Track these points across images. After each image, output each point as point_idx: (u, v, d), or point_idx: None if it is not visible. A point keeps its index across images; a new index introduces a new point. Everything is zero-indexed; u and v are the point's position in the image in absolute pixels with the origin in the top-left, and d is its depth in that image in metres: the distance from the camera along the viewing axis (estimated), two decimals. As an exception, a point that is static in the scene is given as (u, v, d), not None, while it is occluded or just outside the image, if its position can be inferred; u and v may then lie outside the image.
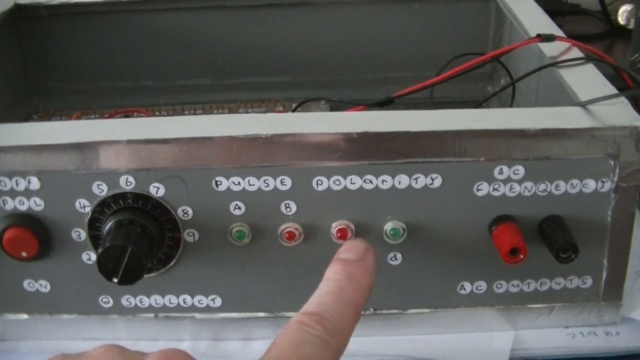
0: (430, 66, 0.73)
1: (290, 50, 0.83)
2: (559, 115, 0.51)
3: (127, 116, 0.77)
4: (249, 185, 0.50)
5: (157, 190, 0.50)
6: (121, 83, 0.83)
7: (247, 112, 0.79)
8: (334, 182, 0.50)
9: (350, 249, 0.47)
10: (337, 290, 0.44)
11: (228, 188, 0.50)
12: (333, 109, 0.76)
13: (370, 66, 0.83)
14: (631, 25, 1.08)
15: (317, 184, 0.50)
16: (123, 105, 0.80)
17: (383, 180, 0.50)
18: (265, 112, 0.79)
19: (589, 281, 0.55)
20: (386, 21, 0.82)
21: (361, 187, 0.50)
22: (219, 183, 0.50)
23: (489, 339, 0.56)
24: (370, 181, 0.50)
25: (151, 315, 0.55)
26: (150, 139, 0.50)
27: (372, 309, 0.55)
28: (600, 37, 1.20)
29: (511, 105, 0.72)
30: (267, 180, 0.50)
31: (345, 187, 0.50)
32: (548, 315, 0.56)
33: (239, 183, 0.50)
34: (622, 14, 1.20)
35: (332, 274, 0.45)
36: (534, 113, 0.52)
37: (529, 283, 0.54)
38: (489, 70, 0.82)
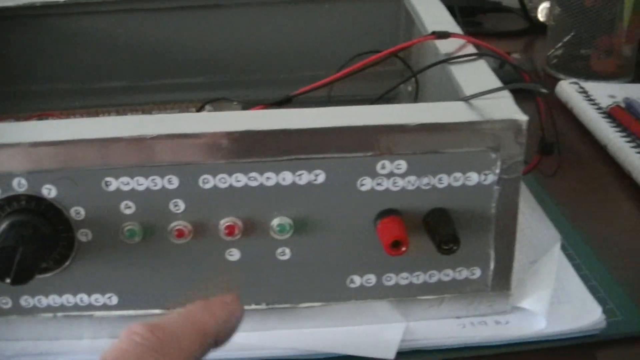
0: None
1: (204, 52, 0.83)
2: (441, 109, 0.53)
3: (40, 120, 0.77)
4: (138, 184, 0.51)
5: (49, 191, 0.51)
6: (37, 86, 0.83)
7: (161, 114, 0.79)
8: (219, 180, 0.51)
9: (217, 298, 0.47)
10: (186, 313, 0.43)
11: (117, 188, 0.51)
12: (246, 108, 0.77)
13: (284, 65, 0.84)
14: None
15: (203, 182, 0.51)
16: (39, 108, 0.80)
17: (267, 178, 0.51)
18: (179, 113, 0.80)
19: (477, 272, 0.56)
20: (298, 21, 0.83)
21: (246, 185, 0.51)
22: (108, 183, 0.51)
23: (381, 330, 0.57)
24: (255, 178, 0.51)
25: (50, 315, 0.56)
26: (39, 141, 0.50)
27: (265, 304, 0.56)
28: (520, 34, 1.22)
29: (415, 102, 0.73)
30: (154, 179, 0.51)
31: (231, 185, 0.51)
32: (439, 306, 0.57)
33: (128, 183, 0.51)
34: (542, 10, 1.22)
35: (189, 306, 0.44)
36: (416, 108, 0.53)
37: (417, 275, 0.56)
38: (400, 68, 0.82)
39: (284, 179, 0.51)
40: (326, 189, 0.52)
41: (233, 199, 0.52)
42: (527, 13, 1.26)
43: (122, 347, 0.38)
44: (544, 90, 0.56)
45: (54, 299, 0.55)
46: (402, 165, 0.51)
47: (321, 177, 0.51)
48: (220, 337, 0.43)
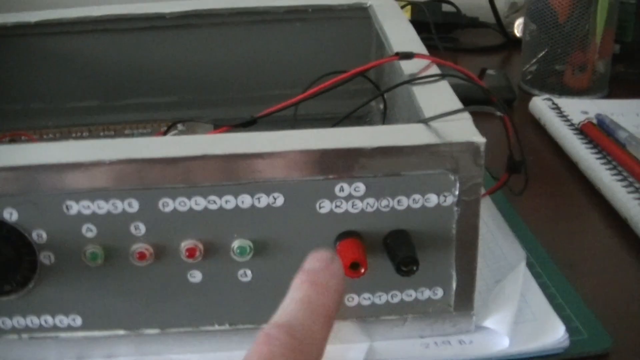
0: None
1: (176, 71, 0.84)
2: (399, 132, 0.53)
3: (12, 140, 0.78)
4: (98, 208, 0.52)
5: (10, 215, 0.52)
6: (9, 106, 0.84)
7: (133, 134, 0.80)
8: (179, 204, 0.52)
9: (314, 259, 0.46)
10: (303, 298, 0.42)
11: (78, 212, 0.52)
12: (217, 127, 0.77)
13: (257, 84, 0.85)
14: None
15: (163, 205, 0.52)
16: (11, 128, 0.81)
17: (226, 201, 0.52)
18: (151, 132, 0.80)
19: (439, 292, 0.56)
20: (270, 40, 0.84)
21: (206, 208, 0.52)
22: (69, 207, 0.51)
23: (344, 350, 0.57)
24: (214, 201, 0.52)
25: (15, 336, 0.56)
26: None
27: (228, 324, 0.56)
28: (497, 49, 1.23)
29: (383, 123, 0.74)
30: (115, 203, 0.51)
31: (190, 208, 0.52)
32: (402, 326, 0.57)
33: (89, 206, 0.51)
34: (518, 26, 1.23)
35: (298, 284, 0.44)
36: (375, 131, 0.53)
37: (380, 296, 0.56)
38: (371, 87, 0.83)
39: (242, 202, 0.52)
40: (285, 211, 0.52)
41: (193, 221, 0.52)
42: (503, 29, 1.27)
43: (266, 349, 0.38)
44: (499, 113, 0.56)
45: (18, 321, 0.55)
46: (361, 187, 0.52)
47: (280, 200, 0.52)
48: (337, 309, 0.43)
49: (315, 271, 0.44)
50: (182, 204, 0.52)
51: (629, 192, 0.76)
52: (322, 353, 0.41)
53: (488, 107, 0.56)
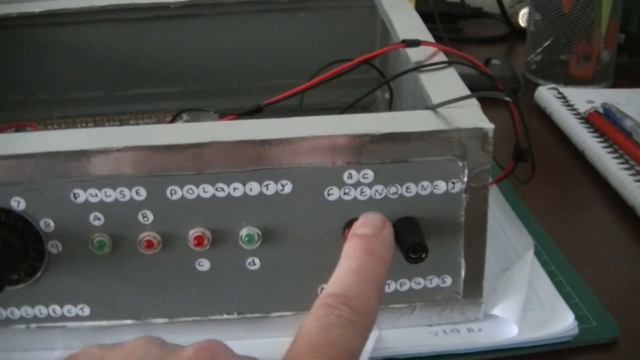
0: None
1: (180, 61, 0.84)
2: (407, 118, 0.53)
3: (17, 130, 0.77)
4: (106, 196, 0.51)
5: (18, 203, 0.51)
6: (14, 97, 0.83)
7: (138, 124, 0.80)
8: (187, 191, 0.51)
9: (366, 224, 0.47)
10: (358, 268, 0.43)
11: (86, 200, 0.51)
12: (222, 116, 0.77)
13: (261, 74, 0.85)
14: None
15: (171, 193, 0.51)
16: (16, 119, 0.81)
17: (235, 188, 0.51)
18: (155, 123, 0.80)
19: (448, 280, 0.56)
20: (274, 30, 0.83)
21: (214, 195, 0.52)
22: (77, 195, 0.51)
23: (352, 339, 0.56)
24: (222, 189, 0.51)
25: (23, 326, 0.56)
26: (6, 154, 0.50)
27: (236, 313, 0.56)
28: (501, 39, 1.23)
29: (390, 110, 0.74)
30: (122, 191, 0.51)
31: (198, 195, 0.51)
32: (410, 314, 0.57)
33: (96, 195, 0.51)
34: (522, 16, 1.23)
35: (351, 251, 0.45)
36: (383, 117, 0.53)
37: (388, 284, 0.56)
38: (377, 76, 0.83)
39: (251, 190, 0.51)
40: (293, 198, 0.52)
41: (201, 209, 0.52)
42: (508, 19, 1.27)
43: (323, 320, 0.40)
44: (507, 98, 0.56)
45: (26, 311, 0.55)
46: (369, 174, 0.51)
47: (288, 187, 0.52)
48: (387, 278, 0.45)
49: (368, 238, 0.45)
50: (190, 191, 0.52)
51: (636, 181, 0.76)
52: (374, 323, 0.41)
53: (495, 93, 0.56)
